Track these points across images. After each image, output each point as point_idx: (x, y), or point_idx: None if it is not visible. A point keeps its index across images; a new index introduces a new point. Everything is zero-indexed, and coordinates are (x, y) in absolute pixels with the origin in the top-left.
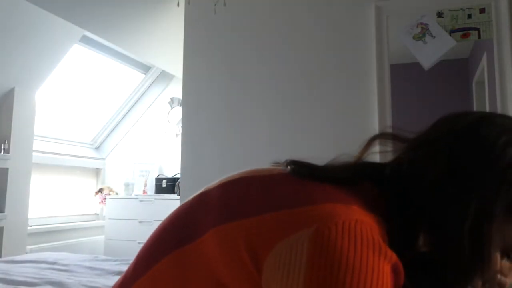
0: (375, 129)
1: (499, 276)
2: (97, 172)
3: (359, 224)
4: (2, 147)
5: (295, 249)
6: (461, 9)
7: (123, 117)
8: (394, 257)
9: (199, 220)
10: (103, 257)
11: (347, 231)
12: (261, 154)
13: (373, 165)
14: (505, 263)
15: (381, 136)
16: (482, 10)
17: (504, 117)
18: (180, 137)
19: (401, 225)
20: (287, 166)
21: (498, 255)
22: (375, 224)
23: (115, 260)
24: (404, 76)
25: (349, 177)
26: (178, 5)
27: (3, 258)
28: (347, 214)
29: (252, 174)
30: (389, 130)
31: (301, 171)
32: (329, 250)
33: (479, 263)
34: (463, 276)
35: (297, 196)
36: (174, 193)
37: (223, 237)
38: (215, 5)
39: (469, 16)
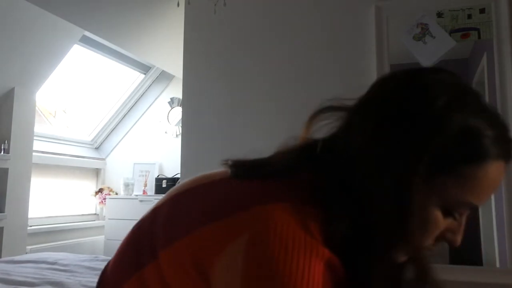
0: None
1: (449, 234)
2: (97, 172)
3: (291, 226)
4: (2, 147)
5: (231, 262)
6: (461, 9)
7: (123, 117)
8: (326, 253)
9: (152, 241)
10: (103, 257)
11: (278, 236)
12: (261, 154)
13: (314, 144)
14: (452, 221)
15: (322, 111)
16: (482, 10)
17: (436, 71)
18: (180, 137)
19: (336, 214)
20: (229, 168)
21: (438, 214)
22: (309, 219)
23: None
24: None
25: (288, 168)
26: (178, 5)
27: (3, 258)
28: (278, 215)
29: (197, 183)
30: (329, 103)
31: (241, 172)
32: (262, 262)
33: (406, 224)
34: (390, 241)
35: (232, 203)
36: None
37: (173, 259)
38: (215, 5)
39: (469, 16)
